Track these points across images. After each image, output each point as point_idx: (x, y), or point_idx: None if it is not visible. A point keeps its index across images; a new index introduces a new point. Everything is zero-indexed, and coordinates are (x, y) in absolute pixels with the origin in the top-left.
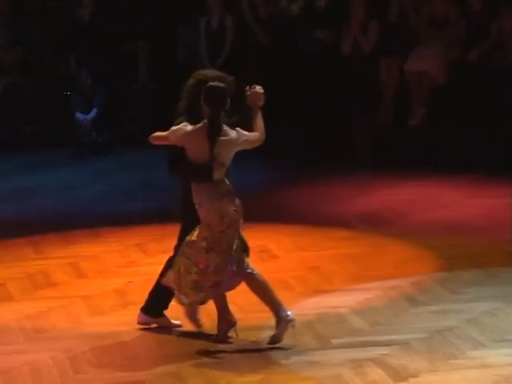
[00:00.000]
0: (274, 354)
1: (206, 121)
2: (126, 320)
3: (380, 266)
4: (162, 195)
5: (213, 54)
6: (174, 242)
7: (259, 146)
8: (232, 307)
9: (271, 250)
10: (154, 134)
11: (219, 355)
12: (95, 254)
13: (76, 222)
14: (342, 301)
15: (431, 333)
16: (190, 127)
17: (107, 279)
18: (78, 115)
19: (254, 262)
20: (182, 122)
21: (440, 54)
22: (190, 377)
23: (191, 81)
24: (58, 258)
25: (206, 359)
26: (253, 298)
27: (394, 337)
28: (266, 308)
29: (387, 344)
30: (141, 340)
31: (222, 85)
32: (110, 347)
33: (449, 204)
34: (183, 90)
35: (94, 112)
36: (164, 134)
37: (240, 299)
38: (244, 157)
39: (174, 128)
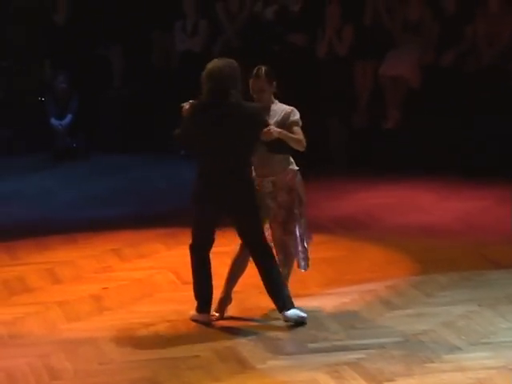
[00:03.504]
0: (250, 358)
1: None
2: (102, 326)
3: (356, 270)
4: (137, 200)
5: (187, 58)
6: (149, 246)
7: None
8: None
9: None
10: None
11: (195, 360)
12: (71, 260)
13: (51, 228)
14: (318, 305)
15: (407, 336)
16: None
17: (83, 285)
18: (53, 121)
19: (228, 267)
20: None
21: (414, 58)
22: (166, 382)
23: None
24: (34, 263)
25: (181, 364)
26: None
27: (370, 341)
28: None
29: (363, 348)
30: (116, 345)
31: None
32: (85, 353)
33: (424, 207)
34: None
35: (68, 118)
36: None
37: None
38: None
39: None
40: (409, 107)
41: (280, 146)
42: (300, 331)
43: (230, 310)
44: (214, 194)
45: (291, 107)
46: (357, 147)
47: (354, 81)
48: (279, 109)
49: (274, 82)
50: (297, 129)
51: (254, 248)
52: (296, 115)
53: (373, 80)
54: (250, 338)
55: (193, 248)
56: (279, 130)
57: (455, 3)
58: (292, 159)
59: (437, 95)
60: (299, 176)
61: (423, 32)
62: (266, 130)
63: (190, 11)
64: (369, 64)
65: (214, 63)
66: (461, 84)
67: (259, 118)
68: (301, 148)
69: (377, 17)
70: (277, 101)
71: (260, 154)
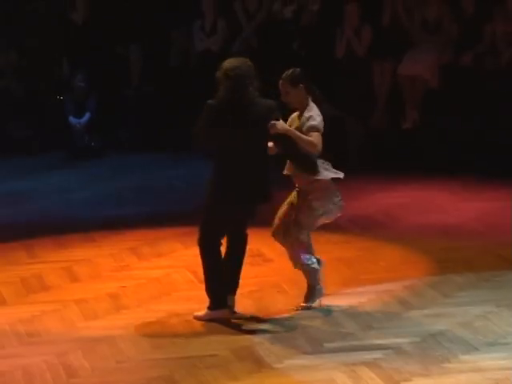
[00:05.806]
0: (267, 357)
1: None
2: (120, 324)
3: (373, 270)
4: (154, 199)
5: (206, 57)
6: (166, 245)
7: None
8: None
9: (265, 254)
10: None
11: (212, 359)
12: (88, 258)
13: (69, 226)
14: (335, 304)
15: (424, 336)
16: None
17: (100, 283)
18: (71, 119)
19: (247, 266)
20: None
21: (433, 58)
22: (183, 381)
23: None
24: (52, 261)
25: (198, 363)
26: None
27: (387, 340)
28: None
29: (380, 348)
30: (134, 344)
31: None
32: (103, 351)
33: (442, 207)
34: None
35: (86, 116)
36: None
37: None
38: None
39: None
40: (427, 107)
41: (290, 148)
42: (317, 331)
43: (247, 309)
44: (238, 194)
45: (310, 113)
46: (375, 147)
47: (373, 81)
48: (308, 114)
49: (301, 85)
50: (312, 134)
51: (239, 236)
52: (314, 120)
53: (391, 80)
54: (267, 337)
55: (204, 243)
56: (287, 127)
57: (474, 3)
58: (323, 168)
59: (455, 95)
60: (324, 186)
61: (442, 32)
62: (271, 122)
63: (209, 10)
64: (387, 64)
65: (230, 62)
66: (480, 84)
67: (273, 114)
68: (314, 151)
69: (395, 16)
70: (313, 105)
71: None
